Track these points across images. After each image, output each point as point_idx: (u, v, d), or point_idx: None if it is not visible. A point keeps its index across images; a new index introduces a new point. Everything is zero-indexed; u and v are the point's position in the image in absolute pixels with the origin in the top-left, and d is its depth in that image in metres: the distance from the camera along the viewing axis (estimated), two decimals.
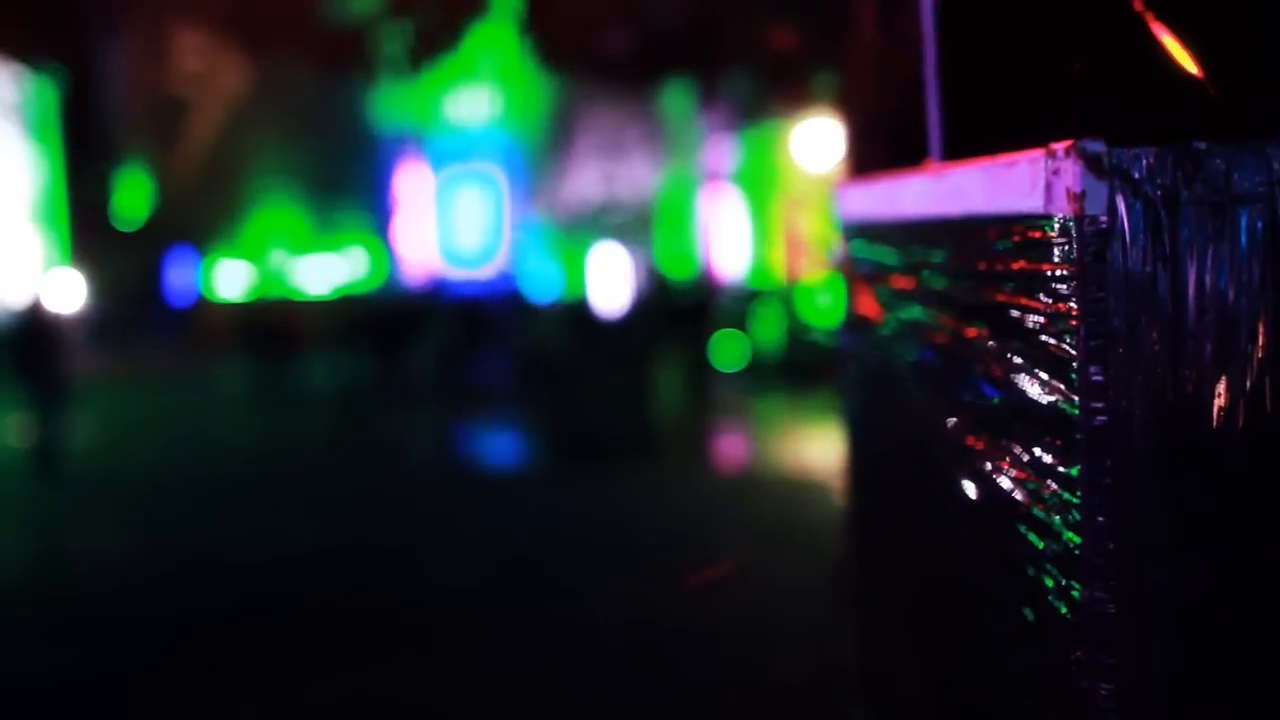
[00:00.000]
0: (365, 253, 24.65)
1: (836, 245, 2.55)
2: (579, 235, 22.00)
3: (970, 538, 1.58)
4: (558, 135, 23.52)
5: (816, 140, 18.90)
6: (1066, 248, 1.20)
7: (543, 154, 23.78)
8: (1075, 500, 1.20)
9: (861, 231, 2.24)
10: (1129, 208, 1.17)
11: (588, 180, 23.24)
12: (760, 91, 20.17)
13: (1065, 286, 1.21)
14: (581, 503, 9.17)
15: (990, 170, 1.40)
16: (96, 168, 24.54)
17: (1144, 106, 1.30)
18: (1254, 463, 1.17)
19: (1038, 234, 1.27)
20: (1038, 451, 1.30)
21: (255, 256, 24.58)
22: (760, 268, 21.42)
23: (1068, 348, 1.21)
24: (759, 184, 21.80)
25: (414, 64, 22.54)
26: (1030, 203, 1.28)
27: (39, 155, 24.00)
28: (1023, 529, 1.35)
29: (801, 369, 15.87)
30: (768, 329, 17.37)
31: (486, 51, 22.85)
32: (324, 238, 24.75)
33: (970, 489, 1.56)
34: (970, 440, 1.55)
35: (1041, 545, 1.29)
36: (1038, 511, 1.30)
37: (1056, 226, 1.22)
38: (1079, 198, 1.17)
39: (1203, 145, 1.17)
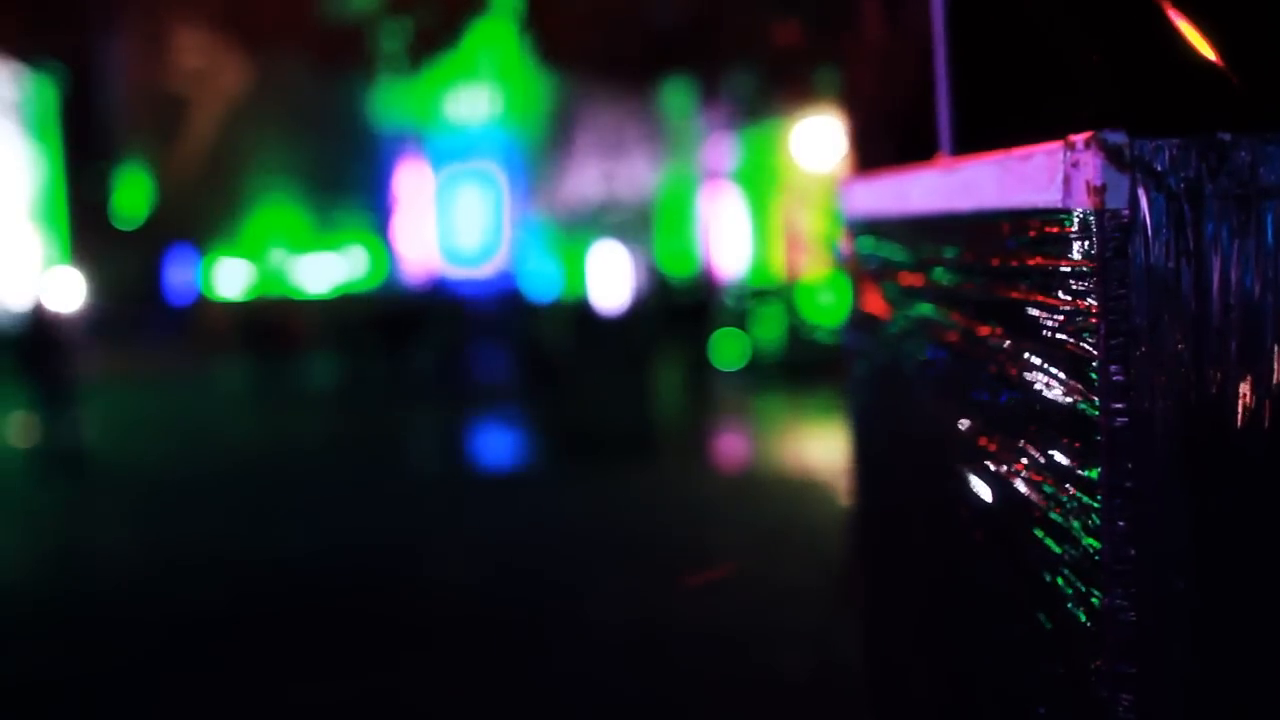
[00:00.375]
0: (365, 252, 24.62)
1: (842, 242, 2.51)
2: (579, 234, 21.96)
3: (983, 541, 1.54)
4: (558, 134, 23.49)
5: (816, 138, 18.86)
6: (1086, 243, 1.16)
7: (543, 153, 23.75)
8: (1095, 504, 1.16)
9: (868, 228, 2.20)
10: (1151, 201, 1.13)
11: (587, 179, 23.20)
12: (760, 90, 20.13)
13: (1084, 283, 1.17)
14: (581, 502, 9.14)
15: (1005, 163, 1.36)
16: (96, 166, 24.51)
17: (1165, 97, 1.26)
18: None
19: (1055, 229, 1.23)
20: (1055, 454, 1.26)
21: (255, 255, 24.55)
22: (760, 266, 21.39)
23: (1087, 346, 1.17)
24: (759, 182, 21.77)
25: (413, 62, 22.50)
26: (1047, 196, 1.23)
27: (38, 154, 23.97)
28: (1039, 533, 1.31)
29: (802, 368, 15.84)
30: (768, 328, 17.34)
31: (486, 50, 22.81)
32: (324, 236, 24.72)
33: (983, 491, 1.52)
34: (983, 441, 1.51)
35: (1059, 550, 1.25)
36: (1055, 516, 1.26)
37: (1075, 221, 1.18)
38: (1099, 191, 1.13)
39: (1227, 137, 1.12)
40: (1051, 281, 1.24)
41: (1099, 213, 1.13)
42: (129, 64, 24.96)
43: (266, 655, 5.77)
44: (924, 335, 1.80)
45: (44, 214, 23.85)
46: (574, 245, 21.73)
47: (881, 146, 2.85)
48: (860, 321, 2.32)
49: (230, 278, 24.04)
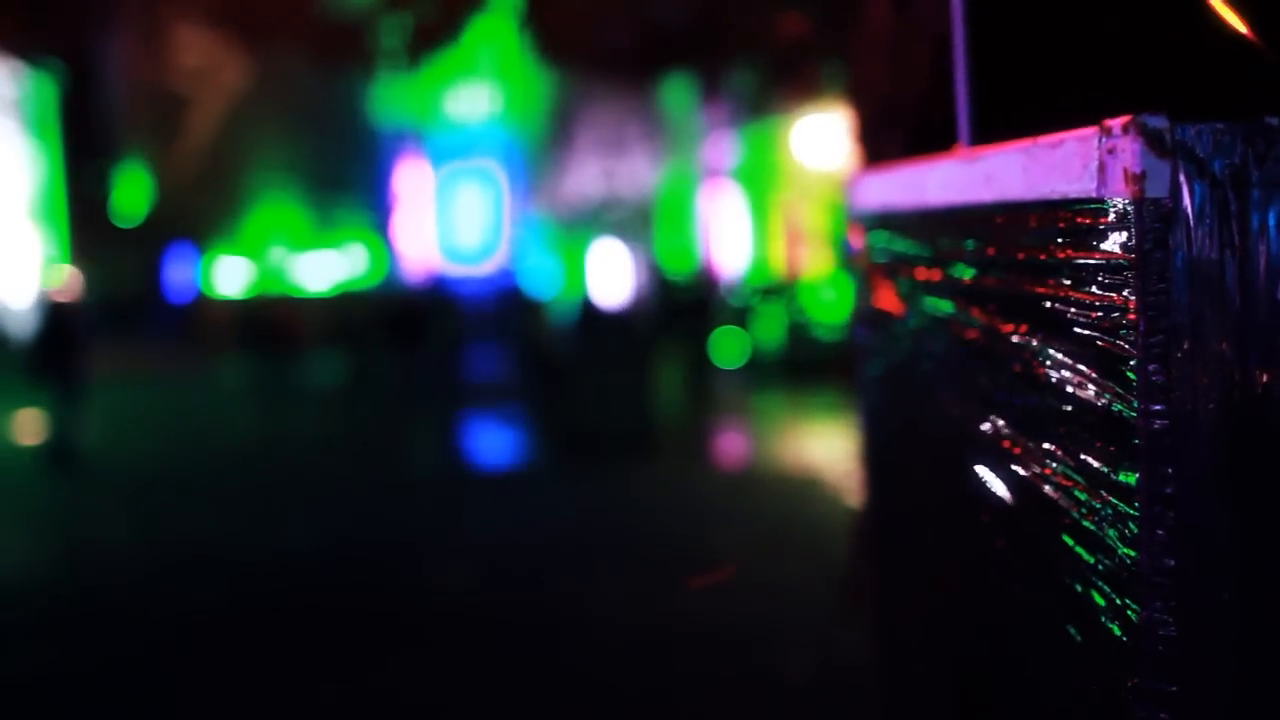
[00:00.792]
0: (365, 249, 24.55)
1: (850, 237, 2.44)
2: (579, 232, 21.90)
3: (1005, 548, 1.48)
4: (558, 131, 23.42)
5: (817, 135, 18.79)
6: (1123, 234, 1.09)
7: (543, 150, 23.69)
8: (1132, 511, 1.10)
9: (880, 222, 2.13)
10: (1193, 190, 1.06)
11: (588, 176, 23.14)
12: (761, 86, 20.05)
13: (1120, 277, 1.10)
14: (581, 500, 9.09)
15: (1032, 152, 1.29)
16: (96, 164, 24.44)
17: (1207, 79, 1.19)
18: None
19: (1087, 220, 1.16)
20: (1087, 457, 1.19)
21: (255, 253, 24.48)
22: (761, 264, 21.31)
23: (1123, 344, 1.10)
24: (759, 180, 21.69)
25: (413, 59, 22.43)
26: (1080, 186, 1.17)
27: (38, 152, 23.90)
28: (1069, 541, 1.24)
29: (802, 366, 15.78)
30: (768, 326, 17.27)
31: (486, 47, 22.74)
32: (324, 234, 24.65)
33: (1005, 495, 1.45)
34: (1006, 444, 1.44)
35: (1091, 560, 1.18)
36: (1087, 523, 1.19)
37: (1111, 211, 1.11)
38: (1138, 179, 1.06)
39: (1275, 121, 1.06)
40: (1083, 275, 1.18)
41: (1138, 202, 1.06)
42: (129, 62, 24.89)
43: (266, 654, 5.71)
44: (941, 332, 1.73)
45: (43, 212, 23.79)
46: (574, 243, 21.66)
47: (890, 139, 2.79)
48: (872, 318, 2.25)
49: (230, 276, 23.96)
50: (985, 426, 1.52)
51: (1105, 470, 1.15)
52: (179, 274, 24.66)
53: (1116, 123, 1.09)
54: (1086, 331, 1.18)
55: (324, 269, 24.07)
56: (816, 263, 19.33)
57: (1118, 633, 1.13)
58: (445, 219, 24.14)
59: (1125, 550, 1.11)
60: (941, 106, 1.97)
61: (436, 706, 5.06)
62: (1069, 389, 1.23)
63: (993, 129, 1.66)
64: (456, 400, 15.24)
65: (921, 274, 1.84)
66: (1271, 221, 1.06)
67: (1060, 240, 1.23)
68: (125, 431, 13.21)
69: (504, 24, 22.23)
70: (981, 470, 1.53)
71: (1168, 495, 1.07)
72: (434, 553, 7.70)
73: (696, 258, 22.17)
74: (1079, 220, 1.18)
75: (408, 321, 18.50)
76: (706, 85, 21.75)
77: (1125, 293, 1.09)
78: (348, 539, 8.09)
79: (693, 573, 6.87)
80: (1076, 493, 1.22)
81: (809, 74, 17.49)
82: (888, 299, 2.08)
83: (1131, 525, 1.10)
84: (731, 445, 12.53)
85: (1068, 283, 1.21)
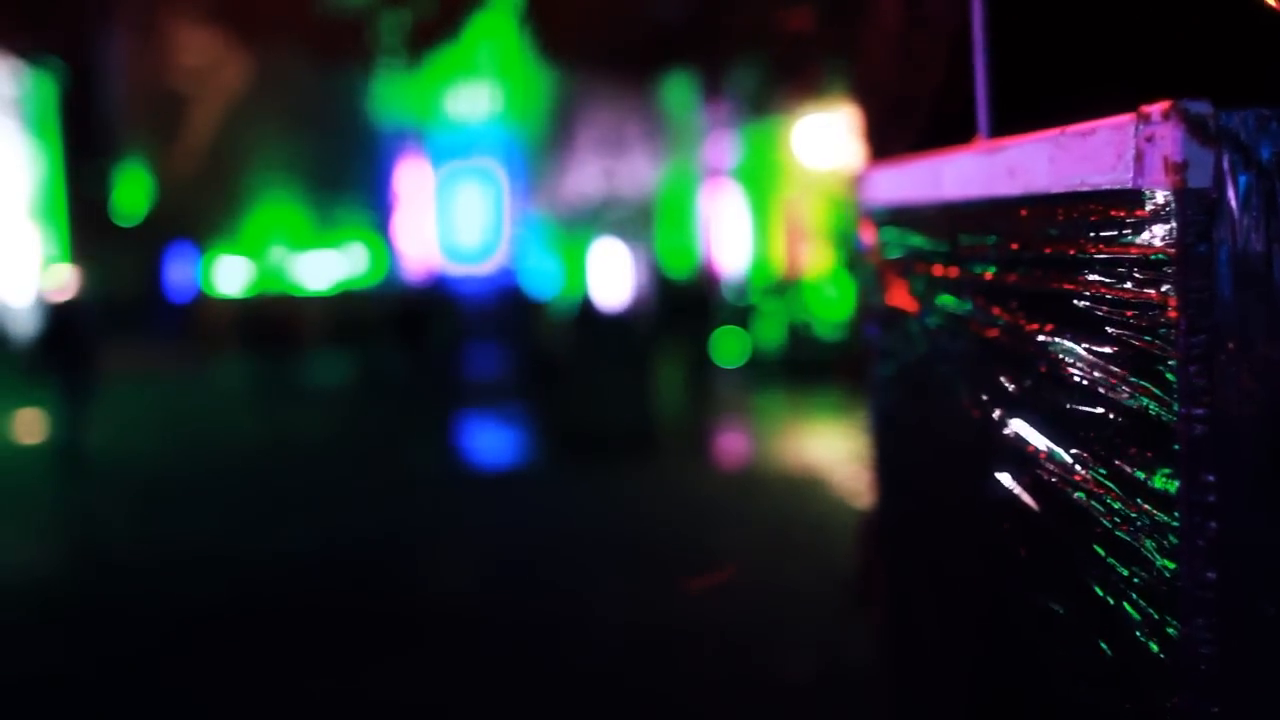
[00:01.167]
0: (365, 249, 24.49)
1: (861, 233, 2.38)
2: (580, 231, 21.84)
3: (1029, 557, 1.41)
4: (558, 130, 23.35)
5: (818, 134, 18.72)
6: (1162, 227, 1.02)
7: (543, 149, 23.62)
8: (1171, 521, 1.03)
9: (893, 217, 2.07)
10: (1237, 180, 0.99)
11: (588, 176, 23.07)
12: (762, 85, 19.99)
13: (1159, 273, 1.04)
14: (582, 499, 9.04)
15: (1060, 141, 1.23)
16: (96, 163, 24.38)
17: (1251, 63, 1.13)
18: None
19: (1121, 212, 1.10)
20: (1120, 464, 1.13)
21: (255, 252, 24.42)
22: (761, 264, 21.25)
23: (1161, 344, 1.04)
24: (760, 179, 21.62)
25: (413, 58, 22.37)
26: (1114, 177, 1.10)
27: (38, 151, 23.84)
28: (1100, 551, 1.18)
29: (803, 365, 15.72)
30: (769, 325, 17.21)
31: (486, 45, 22.68)
32: (324, 234, 24.59)
33: (1030, 502, 1.39)
34: (1030, 449, 1.37)
35: (1125, 571, 1.12)
36: (1121, 534, 1.13)
37: (1149, 203, 1.04)
38: (1180, 168, 0.99)
39: None
40: (1117, 271, 1.11)
41: (1179, 193, 1.00)
42: (129, 61, 24.82)
43: (266, 652, 5.67)
44: (959, 331, 1.66)
45: (44, 211, 23.72)
46: (575, 242, 21.60)
47: (899, 135, 2.72)
48: (883, 316, 2.19)
49: (230, 275, 23.89)
50: (1007, 430, 1.45)
51: (1141, 477, 1.08)
52: (179, 273, 24.59)
53: (1155, 109, 1.02)
54: (1120, 330, 1.11)
55: (324, 268, 24.01)
56: (817, 262, 19.26)
57: (1155, 649, 1.07)
58: (445, 218, 24.07)
59: (1163, 562, 1.05)
60: (956, 99, 1.91)
61: (437, 706, 5.02)
62: (1100, 390, 1.17)
63: (1013, 120, 1.59)
64: (457, 399, 15.19)
65: (938, 270, 1.77)
66: None
67: (1091, 234, 1.16)
68: (125, 431, 13.14)
69: (504, 22, 22.16)
70: (1003, 475, 1.47)
71: (1210, 504, 1.01)
72: (434, 552, 7.65)
73: (697, 257, 22.10)
74: (1112, 213, 1.11)
75: (408, 321, 18.44)
76: (707, 84, 21.68)
77: (1164, 289, 1.03)
78: (348, 538, 8.04)
79: (693, 573, 6.82)
80: (1109, 500, 1.15)
81: (810, 72, 17.42)
82: (901, 296, 2.02)
83: (1171, 536, 1.03)
84: (732, 445, 12.47)
85: (1099, 279, 1.15)
